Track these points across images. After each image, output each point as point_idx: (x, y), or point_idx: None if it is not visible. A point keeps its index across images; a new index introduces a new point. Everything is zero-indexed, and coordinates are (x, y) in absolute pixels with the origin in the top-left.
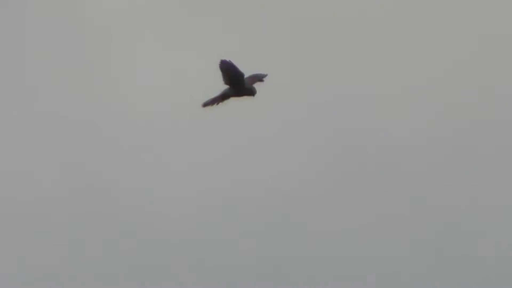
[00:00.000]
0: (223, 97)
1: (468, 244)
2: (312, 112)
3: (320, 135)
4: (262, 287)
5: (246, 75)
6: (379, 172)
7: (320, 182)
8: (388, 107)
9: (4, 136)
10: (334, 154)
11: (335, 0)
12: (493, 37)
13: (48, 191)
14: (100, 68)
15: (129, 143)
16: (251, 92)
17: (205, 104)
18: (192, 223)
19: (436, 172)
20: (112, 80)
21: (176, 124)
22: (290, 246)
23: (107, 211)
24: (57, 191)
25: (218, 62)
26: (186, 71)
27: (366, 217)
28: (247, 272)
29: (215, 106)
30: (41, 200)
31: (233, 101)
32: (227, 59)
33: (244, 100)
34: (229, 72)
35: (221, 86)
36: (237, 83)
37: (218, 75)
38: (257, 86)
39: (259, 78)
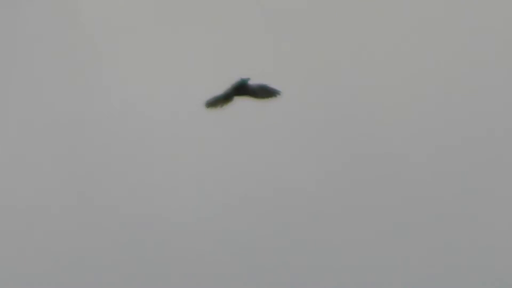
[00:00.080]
0: (226, 97)
1: (473, 250)
2: (317, 113)
3: (327, 136)
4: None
5: (257, 83)
6: (386, 176)
7: (324, 183)
8: (395, 110)
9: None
10: (341, 155)
11: (340, 4)
12: (495, 38)
13: (48, 192)
14: (100, 68)
15: (129, 143)
16: (255, 94)
17: (209, 104)
18: (192, 223)
19: (444, 177)
20: (112, 80)
21: (176, 124)
22: (294, 248)
23: (108, 214)
24: (57, 191)
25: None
26: (186, 70)
27: (372, 221)
28: (248, 272)
29: (219, 107)
30: (40, 202)
31: (235, 103)
32: (241, 79)
33: (247, 100)
34: (243, 90)
35: (222, 86)
36: (240, 90)
37: (219, 74)
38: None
39: (273, 93)
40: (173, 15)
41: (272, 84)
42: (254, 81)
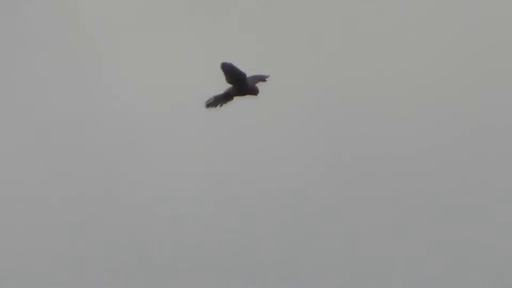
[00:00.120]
0: (226, 96)
1: (473, 250)
2: (316, 112)
3: (327, 136)
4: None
5: (248, 76)
6: (386, 176)
7: (323, 183)
8: (394, 109)
9: None
10: (341, 155)
11: (340, 4)
12: (496, 39)
13: (48, 192)
14: (100, 68)
15: (129, 143)
16: (254, 92)
17: (208, 104)
18: (192, 224)
19: (444, 177)
20: (112, 80)
21: (176, 124)
22: (294, 248)
23: (108, 213)
24: (57, 190)
25: (220, 64)
26: (186, 70)
27: (372, 217)
28: (248, 272)
29: (218, 107)
30: (40, 202)
31: (236, 102)
32: (228, 62)
33: (248, 99)
34: (231, 73)
35: (223, 85)
36: (240, 83)
37: (220, 73)
38: (261, 86)
39: (262, 78)
40: (173, 15)
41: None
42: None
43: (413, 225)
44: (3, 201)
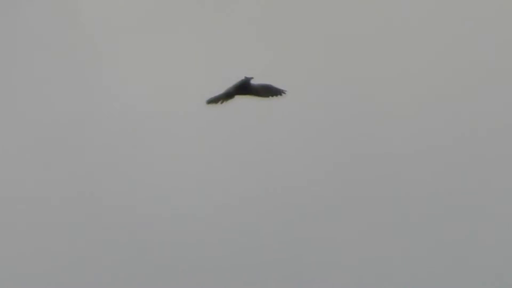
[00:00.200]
0: (228, 95)
1: (473, 250)
2: (316, 112)
3: (327, 136)
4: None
5: (263, 83)
6: (385, 173)
7: (323, 183)
8: (394, 109)
9: None
10: (341, 155)
11: (340, 4)
12: (496, 39)
13: (48, 191)
14: (100, 68)
15: (129, 143)
16: (257, 93)
17: (210, 101)
18: (192, 224)
19: (443, 177)
20: (112, 80)
21: (176, 124)
22: (294, 247)
23: (107, 213)
24: (57, 190)
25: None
26: (186, 70)
27: (371, 217)
28: (248, 271)
29: (219, 104)
30: (40, 202)
31: (236, 102)
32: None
33: (248, 99)
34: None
35: (222, 86)
36: (242, 89)
37: (220, 73)
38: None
39: (277, 92)
40: (172, 15)
41: (275, 83)
42: (257, 80)
43: (413, 225)
44: (3, 201)
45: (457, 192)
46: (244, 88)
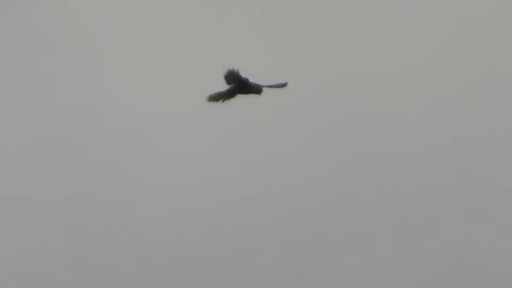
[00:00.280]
0: (229, 93)
1: (473, 250)
2: (316, 112)
3: (327, 136)
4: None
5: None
6: (385, 173)
7: (323, 183)
8: (394, 109)
9: None
10: (341, 155)
11: (340, 4)
12: (496, 39)
13: (48, 192)
14: (100, 68)
15: (129, 143)
16: (257, 91)
17: (211, 98)
18: (192, 224)
19: (443, 177)
20: (112, 80)
21: (176, 124)
22: (294, 247)
23: (107, 213)
24: (57, 190)
25: (223, 72)
26: (186, 70)
27: (371, 217)
28: (248, 272)
29: (220, 102)
30: (40, 202)
31: (236, 102)
32: (230, 69)
33: (248, 99)
34: (234, 81)
35: (224, 85)
36: (243, 87)
37: (220, 73)
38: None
39: (278, 86)
40: (172, 15)
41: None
42: (259, 77)
43: (413, 225)
44: (3, 201)
45: (457, 192)
46: (245, 86)
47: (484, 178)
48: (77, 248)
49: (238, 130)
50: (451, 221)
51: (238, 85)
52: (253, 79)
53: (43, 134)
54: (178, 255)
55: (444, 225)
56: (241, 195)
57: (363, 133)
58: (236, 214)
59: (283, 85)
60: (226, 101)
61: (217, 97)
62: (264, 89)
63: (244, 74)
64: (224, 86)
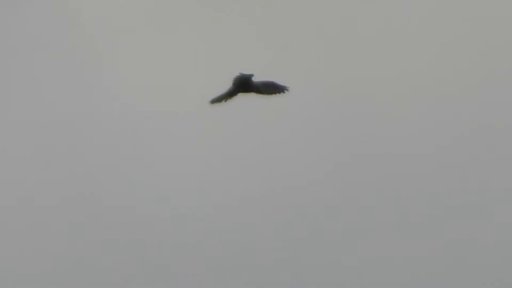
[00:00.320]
0: (231, 93)
1: (473, 250)
2: (316, 112)
3: (326, 136)
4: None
5: (263, 80)
6: (385, 173)
7: (323, 183)
8: (394, 109)
9: None
10: (341, 155)
11: (340, 4)
12: (496, 39)
13: (47, 192)
14: (100, 68)
15: (129, 143)
16: (259, 90)
17: (214, 101)
18: (192, 224)
19: (443, 177)
20: (112, 80)
21: (176, 124)
22: (294, 246)
23: (107, 214)
24: (56, 190)
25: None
26: (186, 70)
27: (371, 217)
28: (248, 272)
29: (223, 102)
30: (40, 202)
31: (236, 102)
32: (241, 74)
33: (248, 99)
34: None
35: (223, 85)
36: (245, 86)
37: (220, 74)
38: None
39: (280, 89)
40: (172, 15)
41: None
42: (259, 78)
43: (413, 225)
44: (3, 201)
45: (457, 192)
46: (246, 86)
47: (484, 178)
48: (77, 248)
49: (238, 130)
50: (451, 221)
51: (238, 84)
52: (253, 78)
53: (43, 134)
54: (178, 255)
55: (444, 225)
56: (241, 195)
57: (363, 133)
58: (236, 214)
59: (285, 89)
60: (228, 100)
61: (219, 100)
62: (264, 89)
63: (241, 71)
64: (224, 87)
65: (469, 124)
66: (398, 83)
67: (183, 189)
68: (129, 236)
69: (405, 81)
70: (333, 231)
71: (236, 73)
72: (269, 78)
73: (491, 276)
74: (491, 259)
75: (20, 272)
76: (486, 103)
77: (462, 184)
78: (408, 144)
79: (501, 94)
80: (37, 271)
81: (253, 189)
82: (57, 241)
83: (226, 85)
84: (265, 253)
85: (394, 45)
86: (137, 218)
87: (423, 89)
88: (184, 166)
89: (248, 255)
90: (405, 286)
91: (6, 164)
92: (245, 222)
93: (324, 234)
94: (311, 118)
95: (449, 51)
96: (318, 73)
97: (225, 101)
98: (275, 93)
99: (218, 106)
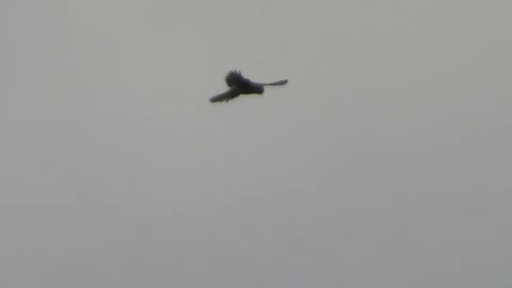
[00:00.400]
0: (232, 94)
1: (473, 250)
2: (316, 112)
3: (327, 136)
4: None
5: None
6: (385, 173)
7: (323, 183)
8: (394, 109)
9: None
10: (341, 155)
11: (341, 4)
12: (496, 39)
13: (47, 192)
14: (100, 68)
15: (129, 143)
16: (259, 91)
17: (214, 100)
18: (192, 224)
19: (443, 177)
20: (112, 80)
21: (176, 124)
22: (294, 246)
23: (107, 214)
24: (56, 191)
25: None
26: (186, 70)
27: (371, 218)
28: (248, 272)
29: (223, 102)
30: (40, 202)
31: (236, 103)
32: (232, 71)
33: (248, 99)
34: (235, 83)
35: (224, 85)
36: (244, 88)
37: (220, 74)
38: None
39: (278, 83)
40: (172, 15)
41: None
42: (259, 78)
43: (413, 225)
44: (3, 201)
45: (457, 192)
46: (246, 87)
47: (484, 178)
48: (77, 248)
49: (238, 130)
50: (451, 221)
51: (240, 86)
52: (253, 78)
53: (43, 134)
54: (178, 255)
55: (444, 225)
56: (241, 195)
57: (363, 133)
58: (236, 214)
59: (284, 82)
60: (229, 101)
61: (219, 99)
62: (265, 87)
63: (244, 73)
64: (224, 87)
65: (469, 124)
66: (398, 83)
67: (183, 189)
68: (129, 236)
69: (405, 81)
70: (333, 231)
71: (227, 71)
72: (269, 78)
73: (491, 276)
74: (491, 259)
75: (20, 272)
76: (486, 103)
77: (462, 184)
78: (408, 144)
79: (501, 94)
80: (37, 271)
81: (253, 189)
82: (57, 241)
83: (227, 86)
84: (265, 253)
85: (394, 45)
86: (137, 218)
87: (423, 89)
88: (184, 166)
89: (248, 255)
90: (405, 286)
91: (6, 164)
92: (245, 222)
93: (324, 234)
94: (311, 118)
95: (449, 51)
96: (318, 73)
97: (226, 101)
98: (274, 85)
99: (218, 105)
